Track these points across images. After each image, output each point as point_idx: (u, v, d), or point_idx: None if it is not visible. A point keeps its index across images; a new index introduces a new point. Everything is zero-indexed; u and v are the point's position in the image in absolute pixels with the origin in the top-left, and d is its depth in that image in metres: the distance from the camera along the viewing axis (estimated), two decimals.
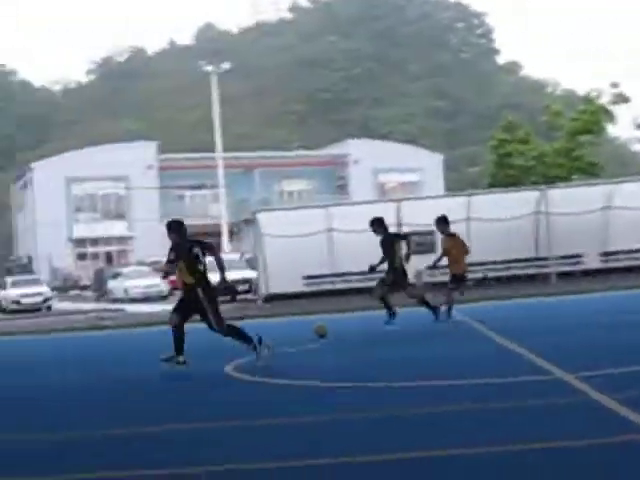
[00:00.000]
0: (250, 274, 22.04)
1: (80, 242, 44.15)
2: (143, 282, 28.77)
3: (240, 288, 21.21)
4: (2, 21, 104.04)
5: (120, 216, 44.69)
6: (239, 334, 6.76)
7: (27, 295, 28.29)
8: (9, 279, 30.76)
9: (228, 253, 30.06)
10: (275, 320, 14.33)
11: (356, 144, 46.47)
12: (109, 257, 43.90)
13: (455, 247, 10.82)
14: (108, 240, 44.54)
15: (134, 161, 41.86)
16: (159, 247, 29.70)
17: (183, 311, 6.96)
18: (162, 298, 26.84)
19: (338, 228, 18.07)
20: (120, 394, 6.32)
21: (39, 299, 28.23)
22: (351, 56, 71.33)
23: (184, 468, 3.30)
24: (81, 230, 43.97)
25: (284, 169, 45.38)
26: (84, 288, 38.03)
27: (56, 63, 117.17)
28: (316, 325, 9.26)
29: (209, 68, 35.32)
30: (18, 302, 27.83)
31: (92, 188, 44.24)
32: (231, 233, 37.30)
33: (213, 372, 6.87)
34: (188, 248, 6.83)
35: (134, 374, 7.50)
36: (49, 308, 28.00)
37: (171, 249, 7.01)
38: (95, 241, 44.56)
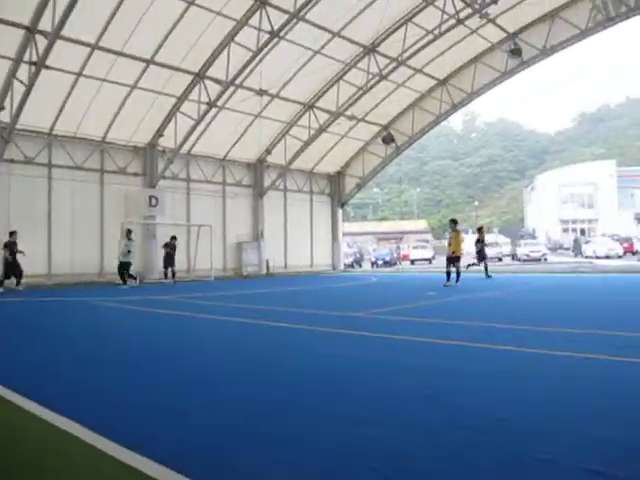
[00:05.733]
0: None
1: (564, 221, 52.29)
2: (605, 246, 33.04)
3: None
4: (518, 87, 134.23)
5: (590, 206, 51.33)
6: None
7: (532, 251, 33.20)
8: (522, 242, 36.21)
9: None
10: None
11: None
12: (582, 231, 50.38)
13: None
14: (582, 221, 51.32)
15: (600, 172, 49.90)
16: (615, 226, 43.63)
17: None
18: (618, 257, 30.50)
19: None
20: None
21: (539, 254, 32.80)
22: None
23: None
24: (565, 214, 51.98)
25: None
26: (566, 249, 43.63)
27: (551, 116, 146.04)
28: None
29: None
30: (527, 255, 32.88)
31: (572, 189, 51.49)
32: None
33: None
34: None
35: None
36: (545, 259, 31.94)
37: None
38: (574, 221, 51.65)
